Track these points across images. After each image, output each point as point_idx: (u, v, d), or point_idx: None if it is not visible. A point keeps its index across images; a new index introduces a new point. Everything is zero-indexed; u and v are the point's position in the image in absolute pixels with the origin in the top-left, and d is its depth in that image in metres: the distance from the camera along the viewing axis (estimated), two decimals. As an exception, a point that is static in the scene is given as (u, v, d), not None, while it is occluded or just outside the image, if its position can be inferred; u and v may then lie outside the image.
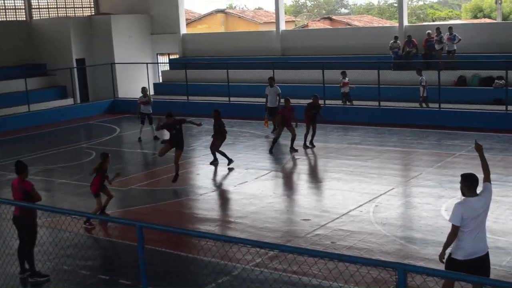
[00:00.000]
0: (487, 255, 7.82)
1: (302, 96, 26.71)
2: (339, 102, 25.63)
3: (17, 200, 10.27)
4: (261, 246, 6.10)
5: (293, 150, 19.50)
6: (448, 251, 7.89)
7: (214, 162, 18.33)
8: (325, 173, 16.59)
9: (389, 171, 16.65)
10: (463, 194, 7.83)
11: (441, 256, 7.93)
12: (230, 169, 17.60)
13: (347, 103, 25.53)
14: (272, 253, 10.71)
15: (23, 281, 10.50)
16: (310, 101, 20.50)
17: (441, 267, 8.05)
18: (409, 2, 64.57)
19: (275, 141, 19.65)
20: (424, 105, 23.86)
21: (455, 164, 16.95)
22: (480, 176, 7.91)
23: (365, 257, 9.62)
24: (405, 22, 28.83)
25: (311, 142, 20.15)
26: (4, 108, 27.44)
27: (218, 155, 18.14)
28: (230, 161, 17.91)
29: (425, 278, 8.21)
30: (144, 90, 23.44)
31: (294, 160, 18.62)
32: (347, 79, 25.17)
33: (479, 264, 7.68)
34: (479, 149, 8.32)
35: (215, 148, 18.14)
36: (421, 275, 5.83)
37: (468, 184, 7.74)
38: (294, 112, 19.74)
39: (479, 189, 7.82)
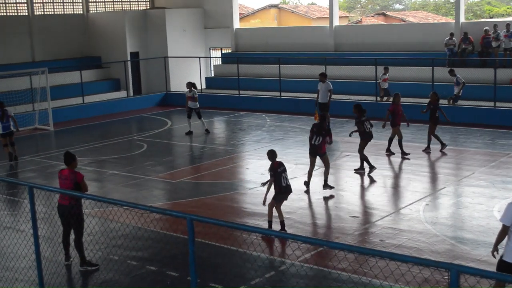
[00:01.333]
0: None
1: (354, 92, 26.56)
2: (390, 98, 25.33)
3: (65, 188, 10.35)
4: (311, 242, 6.04)
5: (404, 154, 17.92)
6: (501, 252, 7.70)
7: (359, 171, 16.51)
8: (376, 170, 16.37)
9: (441, 170, 16.37)
10: None
11: (493, 250, 7.85)
12: (370, 178, 16.10)
13: (384, 99, 25.27)
14: (321, 249, 10.64)
15: (68, 268, 10.68)
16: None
17: (493, 268, 7.87)
18: (466, -1, 63.35)
19: (390, 141, 18.44)
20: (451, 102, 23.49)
21: (509, 164, 16.55)
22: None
23: (418, 257, 9.49)
24: (462, 19, 28.27)
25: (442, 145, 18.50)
26: (60, 99, 28.00)
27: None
28: (371, 168, 16.29)
29: (478, 279, 8.04)
30: (189, 85, 23.34)
31: (343, 156, 18.46)
32: (387, 75, 24.95)
33: None
34: None
35: (360, 151, 16.49)
36: (474, 276, 5.70)
37: None
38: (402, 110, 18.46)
39: None
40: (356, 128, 16.71)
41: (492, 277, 5.14)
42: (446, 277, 8.89)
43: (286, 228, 11.80)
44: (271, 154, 12.17)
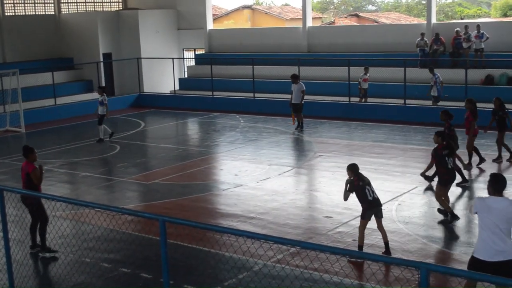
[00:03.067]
0: (510, 262, 7.42)
1: (327, 93, 26.69)
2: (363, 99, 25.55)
3: (23, 181, 11.17)
4: (283, 242, 6.06)
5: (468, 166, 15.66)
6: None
7: (462, 184, 14.65)
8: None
9: (413, 170, 16.49)
10: (488, 192, 7.75)
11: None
12: (462, 186, 14.70)
13: (363, 100, 25.45)
14: (293, 250, 10.68)
15: (33, 256, 11.01)
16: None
17: (465, 267, 7.95)
18: (438, 0, 63.95)
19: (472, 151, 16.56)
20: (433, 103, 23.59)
21: (481, 164, 16.71)
22: None
23: (388, 256, 9.55)
24: (433, 20, 28.56)
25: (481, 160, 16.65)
26: (31, 101, 27.68)
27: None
28: (464, 181, 14.69)
29: (448, 278, 8.14)
30: (100, 90, 22.27)
31: (317, 157, 18.54)
32: (368, 75, 25.13)
33: (500, 270, 7.32)
34: None
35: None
36: (444, 275, 5.76)
37: (493, 183, 7.64)
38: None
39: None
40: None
41: (461, 275, 5.21)
42: (417, 275, 8.97)
43: (259, 228, 11.80)
44: (353, 168, 10.87)
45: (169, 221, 6.30)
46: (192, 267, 10.44)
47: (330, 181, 16.00)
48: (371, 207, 10.56)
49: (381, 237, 10.68)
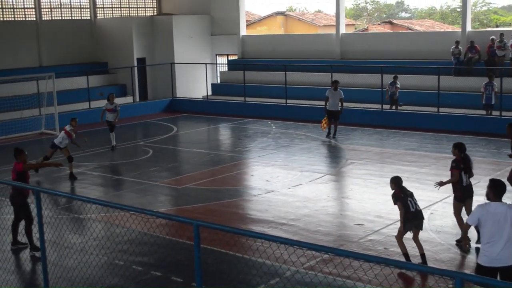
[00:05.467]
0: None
1: (360, 100, 26.59)
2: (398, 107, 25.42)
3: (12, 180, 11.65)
4: (316, 249, 6.06)
5: None
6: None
7: None
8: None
9: (445, 179, 16.28)
10: (488, 198, 7.95)
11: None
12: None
13: (393, 107, 25.32)
14: (326, 256, 10.66)
15: (14, 252, 11.49)
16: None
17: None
18: (473, 8, 63.33)
19: None
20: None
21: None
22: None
23: (423, 265, 9.49)
24: (468, 28, 28.30)
25: None
26: (66, 104, 28.07)
27: None
28: None
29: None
30: (111, 97, 21.85)
31: (348, 164, 18.48)
32: (398, 84, 24.98)
33: (504, 274, 7.59)
34: None
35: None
36: (479, 286, 5.72)
37: (494, 189, 7.86)
38: None
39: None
40: None
41: (495, 285, 5.17)
42: (451, 285, 8.90)
43: (291, 235, 11.80)
44: (395, 181, 10.76)
45: (203, 226, 6.33)
46: (223, 272, 10.49)
47: (361, 189, 15.94)
48: (414, 219, 10.44)
49: (417, 248, 10.55)
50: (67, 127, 17.87)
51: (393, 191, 10.66)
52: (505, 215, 7.71)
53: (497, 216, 7.69)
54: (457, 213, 11.80)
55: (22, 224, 11.75)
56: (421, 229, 10.60)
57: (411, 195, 10.62)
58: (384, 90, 25.29)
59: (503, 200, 7.97)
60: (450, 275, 4.86)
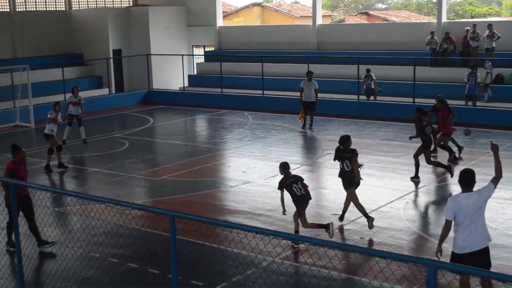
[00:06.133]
0: (485, 249, 7.95)
1: (336, 91, 26.68)
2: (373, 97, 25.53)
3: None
4: (292, 238, 6.11)
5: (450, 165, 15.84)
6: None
7: (415, 179, 15.30)
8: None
9: (421, 168, 16.46)
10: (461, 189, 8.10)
11: (437, 251, 8.26)
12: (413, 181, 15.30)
13: (371, 98, 25.42)
14: (302, 246, 10.70)
15: (8, 252, 11.12)
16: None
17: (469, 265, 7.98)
18: (448, -1, 63.78)
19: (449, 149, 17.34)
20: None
21: (488, 162, 16.69)
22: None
23: (396, 253, 9.58)
24: (444, 19, 28.48)
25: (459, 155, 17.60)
26: (41, 96, 27.80)
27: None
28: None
29: (455, 276, 8.16)
30: (76, 90, 21.23)
31: (325, 154, 18.55)
32: (373, 75, 25.07)
33: (477, 258, 7.82)
34: (494, 149, 8.40)
35: (415, 156, 15.42)
36: (452, 273, 5.79)
37: (462, 180, 8.02)
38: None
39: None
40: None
41: (468, 272, 5.24)
42: (425, 273, 8.98)
43: (267, 225, 11.84)
44: (283, 167, 11.33)
45: (178, 217, 6.32)
46: (200, 263, 10.49)
47: (338, 179, 15.93)
48: (303, 201, 11.27)
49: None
50: (49, 114, 17.85)
51: (282, 176, 11.31)
52: (475, 204, 7.88)
53: (468, 207, 7.86)
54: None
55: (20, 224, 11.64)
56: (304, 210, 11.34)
57: (295, 181, 11.28)
58: (360, 81, 25.37)
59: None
60: (423, 262, 4.89)
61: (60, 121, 18.10)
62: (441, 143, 17.25)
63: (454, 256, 7.99)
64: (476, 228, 7.89)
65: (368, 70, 25.09)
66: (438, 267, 4.81)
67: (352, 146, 12.77)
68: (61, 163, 17.59)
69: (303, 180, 11.50)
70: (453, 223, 8.01)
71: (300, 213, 11.26)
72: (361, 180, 11.99)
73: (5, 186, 10.83)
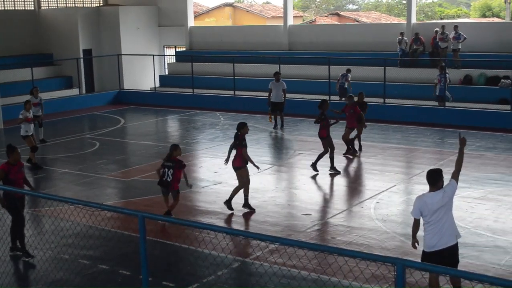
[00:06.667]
0: (454, 247, 8.15)
1: (308, 91, 26.78)
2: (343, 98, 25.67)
3: None
4: (261, 239, 6.10)
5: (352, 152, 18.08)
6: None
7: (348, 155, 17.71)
8: (328, 169, 16.56)
9: (391, 168, 16.64)
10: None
11: (412, 243, 8.50)
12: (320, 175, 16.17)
13: (343, 99, 25.55)
14: (272, 246, 10.73)
15: (13, 258, 10.85)
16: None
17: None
18: (418, 0, 64.36)
19: (358, 139, 18.52)
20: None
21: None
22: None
23: (365, 252, 9.65)
24: (413, 20, 28.77)
25: (359, 145, 18.77)
26: (10, 97, 27.45)
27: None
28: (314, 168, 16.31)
29: (423, 274, 8.24)
30: (35, 91, 20.94)
31: (296, 155, 18.61)
32: (349, 76, 25.19)
33: (446, 255, 8.01)
34: (462, 142, 8.57)
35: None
36: (420, 271, 5.85)
37: (428, 179, 8.25)
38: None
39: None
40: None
41: (436, 271, 5.29)
42: (394, 272, 9.06)
43: (239, 226, 11.85)
44: (174, 148, 12.93)
45: (148, 217, 6.30)
46: (171, 264, 10.46)
47: (309, 179, 16.07)
48: (162, 185, 12.78)
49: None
50: (20, 115, 17.81)
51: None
52: (440, 202, 8.05)
53: (434, 205, 8.04)
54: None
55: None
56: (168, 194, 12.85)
57: (171, 167, 12.59)
58: (332, 81, 25.49)
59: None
60: (391, 261, 4.94)
61: (32, 116, 18.13)
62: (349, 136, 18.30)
63: (425, 255, 8.16)
64: (443, 225, 8.04)
65: (348, 70, 25.20)
66: (406, 266, 4.85)
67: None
68: (34, 162, 17.62)
69: (183, 169, 12.72)
70: (422, 221, 8.15)
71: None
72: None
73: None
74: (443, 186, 8.19)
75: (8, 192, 10.60)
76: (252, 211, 13.19)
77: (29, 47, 33.30)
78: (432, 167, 16.26)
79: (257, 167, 13.61)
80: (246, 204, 13.31)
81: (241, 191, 13.35)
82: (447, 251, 8.05)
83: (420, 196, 8.32)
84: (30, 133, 17.83)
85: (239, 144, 13.59)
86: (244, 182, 13.30)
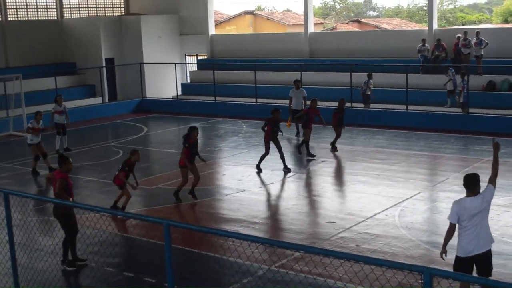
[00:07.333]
0: (488, 252, 8.07)
1: (329, 98, 26.71)
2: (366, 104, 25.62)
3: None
4: (287, 247, 6.12)
5: (311, 155, 19.12)
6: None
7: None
8: (351, 176, 16.53)
9: (415, 175, 16.56)
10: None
11: (441, 252, 8.37)
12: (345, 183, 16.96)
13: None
14: (297, 254, 10.71)
15: (73, 272, 10.84)
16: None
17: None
18: (439, 6, 64.04)
19: (303, 143, 19.38)
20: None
21: (482, 169, 16.72)
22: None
23: (391, 260, 9.61)
24: (435, 26, 28.63)
25: (333, 146, 19.90)
26: (34, 105, 27.66)
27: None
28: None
29: (450, 282, 8.18)
30: (59, 99, 21.21)
31: (320, 162, 18.59)
32: (371, 82, 25.16)
33: (481, 261, 7.97)
34: (496, 148, 8.48)
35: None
36: (447, 280, 5.79)
37: (465, 183, 8.12)
38: (319, 113, 19.45)
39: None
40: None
41: (464, 279, 5.26)
42: (420, 281, 9.00)
43: (263, 233, 11.85)
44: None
45: (173, 225, 6.32)
46: (195, 271, 10.49)
47: (332, 187, 16.05)
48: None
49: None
50: (29, 124, 18.47)
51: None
52: (480, 207, 7.97)
53: (473, 210, 7.95)
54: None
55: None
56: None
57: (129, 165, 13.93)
58: (354, 88, 25.44)
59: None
60: (418, 270, 4.92)
61: (42, 127, 18.57)
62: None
63: (459, 260, 8.09)
64: (480, 230, 7.98)
65: (369, 76, 25.15)
66: (434, 274, 4.84)
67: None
68: (34, 169, 18.28)
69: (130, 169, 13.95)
70: (457, 226, 8.08)
71: None
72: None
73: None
74: (481, 191, 8.11)
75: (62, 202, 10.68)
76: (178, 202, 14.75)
77: (53, 57, 33.70)
78: (456, 174, 16.27)
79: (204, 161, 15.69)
80: (176, 193, 14.92)
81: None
82: (482, 256, 8.00)
83: (458, 200, 8.19)
84: (36, 142, 18.29)
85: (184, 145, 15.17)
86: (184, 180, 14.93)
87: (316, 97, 20.01)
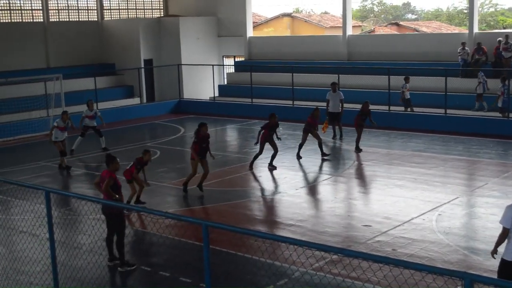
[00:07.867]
0: None
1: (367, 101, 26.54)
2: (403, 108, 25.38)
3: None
4: (325, 249, 6.09)
5: (298, 157, 19.41)
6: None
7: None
8: (388, 180, 16.41)
9: (453, 180, 16.36)
10: None
11: (492, 252, 8.37)
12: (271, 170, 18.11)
13: (408, 109, 25.23)
14: (334, 257, 10.67)
15: (111, 269, 10.90)
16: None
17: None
18: (480, 9, 63.19)
19: (320, 145, 19.42)
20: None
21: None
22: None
23: (432, 265, 9.51)
24: (475, 29, 28.26)
25: (357, 147, 20.08)
26: (74, 105, 28.10)
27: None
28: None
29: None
30: (90, 104, 22.07)
31: (356, 166, 18.49)
32: (407, 85, 24.91)
33: None
34: None
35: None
36: (488, 286, 5.72)
37: None
38: (370, 115, 20.04)
39: None
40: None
41: (505, 286, 5.17)
42: (460, 286, 8.90)
43: (298, 236, 11.84)
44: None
45: (212, 226, 6.36)
46: (232, 273, 10.51)
47: (369, 190, 15.95)
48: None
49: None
50: (55, 123, 19.33)
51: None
52: None
53: None
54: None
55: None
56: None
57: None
58: (392, 92, 25.25)
59: None
60: (459, 276, 4.87)
61: (69, 125, 19.51)
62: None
63: (505, 263, 8.02)
64: None
65: (406, 79, 24.89)
66: (475, 281, 4.78)
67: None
68: (64, 166, 18.89)
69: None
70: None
71: None
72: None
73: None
74: None
75: (110, 198, 10.92)
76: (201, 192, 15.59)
77: (92, 57, 34.15)
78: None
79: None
80: (185, 184, 15.81)
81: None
82: None
83: (511, 205, 8.13)
84: (60, 139, 19.10)
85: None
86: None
87: (368, 100, 20.57)
